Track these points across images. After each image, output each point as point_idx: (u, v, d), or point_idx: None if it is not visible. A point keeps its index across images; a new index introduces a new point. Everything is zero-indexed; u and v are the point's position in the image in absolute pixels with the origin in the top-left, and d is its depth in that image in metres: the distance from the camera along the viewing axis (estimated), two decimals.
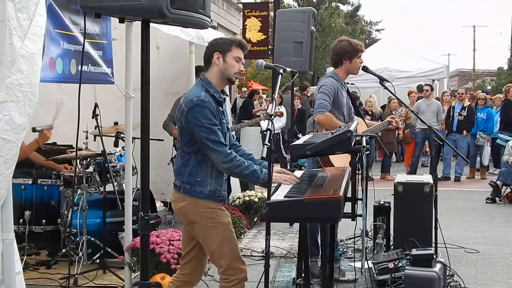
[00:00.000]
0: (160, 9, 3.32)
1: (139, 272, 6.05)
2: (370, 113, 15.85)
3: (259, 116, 12.19)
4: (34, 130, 7.38)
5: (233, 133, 5.41)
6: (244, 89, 22.49)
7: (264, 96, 24.54)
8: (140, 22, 3.61)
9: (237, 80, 4.86)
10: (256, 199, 9.28)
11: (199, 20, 3.67)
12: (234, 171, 4.31)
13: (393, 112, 10.43)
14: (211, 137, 4.23)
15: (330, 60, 6.69)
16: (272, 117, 4.34)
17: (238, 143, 4.74)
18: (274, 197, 4.13)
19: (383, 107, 16.92)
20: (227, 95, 4.59)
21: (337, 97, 6.25)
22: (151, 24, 3.63)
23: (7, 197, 4.03)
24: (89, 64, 6.04)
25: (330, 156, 5.81)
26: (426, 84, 15.97)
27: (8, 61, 3.93)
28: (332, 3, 42.16)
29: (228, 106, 8.74)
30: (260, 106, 19.01)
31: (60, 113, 8.42)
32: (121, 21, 3.77)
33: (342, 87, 6.39)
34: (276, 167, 4.62)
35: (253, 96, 19.07)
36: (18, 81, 4.00)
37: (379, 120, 13.68)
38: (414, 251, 5.78)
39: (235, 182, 9.76)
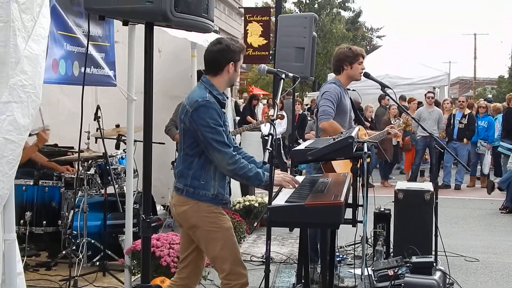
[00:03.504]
0: (164, 12, 3.32)
1: (139, 275, 6.09)
2: (370, 119, 15.85)
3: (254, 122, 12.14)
4: (29, 134, 7.39)
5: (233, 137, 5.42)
6: (245, 94, 22.39)
7: (264, 101, 24.42)
8: (143, 25, 3.61)
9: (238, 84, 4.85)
10: (256, 204, 9.26)
11: (203, 24, 3.67)
12: (238, 173, 4.29)
13: (392, 122, 10.45)
14: (217, 137, 4.22)
15: (332, 66, 6.71)
16: (274, 121, 4.35)
17: (239, 146, 4.73)
18: (275, 202, 4.14)
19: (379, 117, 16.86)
20: (228, 98, 4.58)
21: (340, 103, 6.27)
22: (155, 27, 3.63)
23: (9, 198, 4.03)
24: (92, 66, 6.04)
25: (333, 163, 5.82)
26: (429, 92, 15.96)
27: (12, 61, 3.93)
28: (334, 9, 42.22)
29: (230, 109, 8.77)
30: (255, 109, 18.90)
31: (59, 114, 8.45)
32: (125, 23, 3.78)
33: (345, 93, 6.40)
34: (278, 170, 4.62)
35: (252, 101, 19.03)
36: (21, 81, 4.00)
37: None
38: (414, 259, 5.79)
39: (236, 186, 9.75)
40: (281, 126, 15.33)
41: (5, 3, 3.86)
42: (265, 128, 13.52)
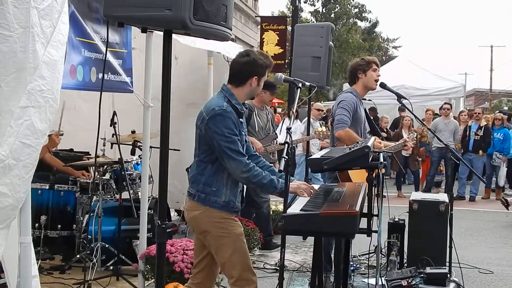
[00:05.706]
0: (183, 20, 3.33)
1: (152, 280, 6.11)
2: (385, 130, 15.81)
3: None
4: None
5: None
6: None
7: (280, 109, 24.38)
8: (161, 32, 3.62)
9: None
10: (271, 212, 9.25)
11: (221, 32, 3.68)
12: (252, 180, 4.30)
13: (404, 135, 10.40)
14: (232, 146, 4.24)
15: (348, 79, 6.73)
16: (290, 130, 4.35)
17: (258, 154, 4.74)
18: (290, 210, 4.14)
19: (397, 124, 16.80)
20: (246, 108, 4.58)
21: (356, 113, 6.27)
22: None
23: (26, 201, 4.05)
24: (109, 73, 6.09)
25: (349, 172, 5.82)
26: (445, 103, 15.90)
27: (30, 67, 3.96)
28: (350, 19, 42.22)
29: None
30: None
31: (76, 119, 8.50)
32: (143, 31, 3.80)
33: (360, 104, 6.40)
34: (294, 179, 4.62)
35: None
36: (40, 87, 4.03)
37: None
38: (428, 270, 5.76)
39: None
40: (296, 135, 15.31)
41: (25, 9, 3.89)
42: (281, 137, 13.51)
